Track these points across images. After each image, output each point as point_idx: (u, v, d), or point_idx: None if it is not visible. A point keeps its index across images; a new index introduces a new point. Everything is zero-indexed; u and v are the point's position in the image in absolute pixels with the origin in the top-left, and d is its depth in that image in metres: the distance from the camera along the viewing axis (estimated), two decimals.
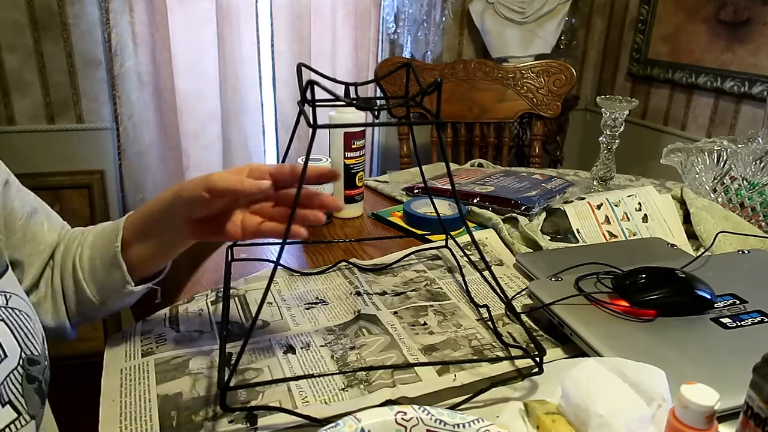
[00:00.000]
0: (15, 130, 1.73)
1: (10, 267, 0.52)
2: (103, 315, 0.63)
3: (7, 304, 0.48)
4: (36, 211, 0.62)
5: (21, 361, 0.47)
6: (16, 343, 0.47)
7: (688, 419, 0.37)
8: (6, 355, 0.46)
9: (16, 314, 0.49)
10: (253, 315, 0.63)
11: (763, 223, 0.91)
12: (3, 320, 0.47)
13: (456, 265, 0.77)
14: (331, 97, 0.51)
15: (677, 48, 2.00)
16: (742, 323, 0.58)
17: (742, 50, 1.78)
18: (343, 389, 0.52)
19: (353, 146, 0.94)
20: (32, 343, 0.49)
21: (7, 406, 0.45)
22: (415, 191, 1.05)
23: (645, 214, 0.88)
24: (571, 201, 0.92)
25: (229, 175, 0.51)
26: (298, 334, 0.61)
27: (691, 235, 0.85)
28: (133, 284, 0.59)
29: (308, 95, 0.52)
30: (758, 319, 0.59)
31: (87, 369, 0.88)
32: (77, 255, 0.60)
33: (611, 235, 0.86)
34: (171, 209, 0.56)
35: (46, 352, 0.52)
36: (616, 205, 0.89)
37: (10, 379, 0.45)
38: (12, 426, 0.45)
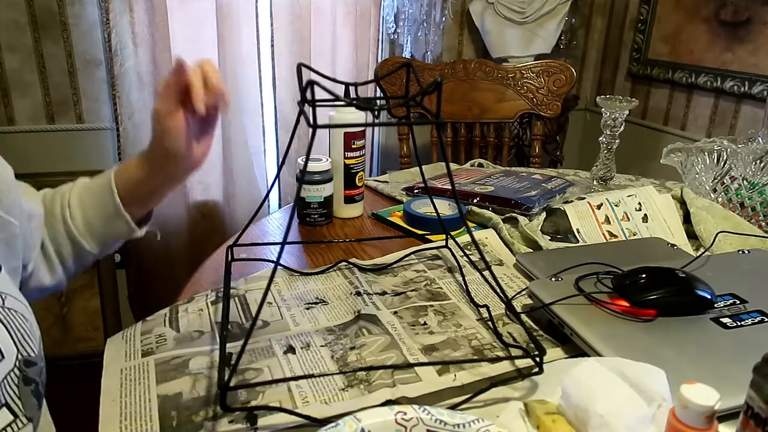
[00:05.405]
0: (15, 130, 1.73)
1: (3, 268, 0.52)
2: (98, 259, 0.70)
3: (3, 304, 0.48)
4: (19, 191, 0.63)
5: (17, 362, 0.46)
6: (13, 344, 0.47)
7: (688, 419, 0.37)
8: (3, 357, 0.45)
9: (12, 315, 0.48)
10: (253, 315, 0.63)
11: (763, 223, 0.91)
12: (0, 321, 0.46)
13: (456, 265, 0.77)
14: (331, 97, 0.51)
15: (677, 48, 2.00)
16: (742, 323, 0.58)
17: (742, 50, 1.78)
18: (343, 389, 0.52)
19: (353, 146, 0.94)
20: (29, 345, 0.49)
21: (4, 408, 0.44)
22: (415, 191, 1.05)
23: (645, 214, 0.88)
24: (571, 201, 0.92)
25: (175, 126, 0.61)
26: (298, 334, 0.61)
27: (691, 235, 0.85)
28: (138, 230, 0.66)
29: (308, 95, 0.52)
30: (758, 319, 0.59)
31: (87, 369, 0.88)
32: (67, 216, 0.65)
33: (611, 235, 0.86)
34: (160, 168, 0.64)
35: (43, 353, 0.52)
36: (616, 205, 0.89)
37: (7, 381, 0.45)
38: (9, 428, 0.44)
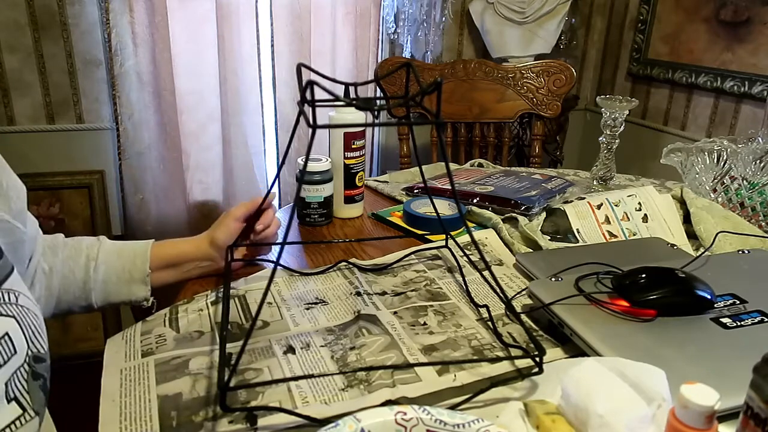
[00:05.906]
0: (15, 130, 1.73)
1: (15, 268, 0.53)
2: (85, 313, 0.73)
3: (17, 301, 0.49)
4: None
5: (27, 358, 0.47)
6: (25, 340, 0.48)
7: (688, 419, 0.37)
8: (15, 352, 0.46)
9: (25, 312, 0.49)
10: (253, 315, 0.63)
11: (763, 223, 0.91)
12: (14, 317, 0.47)
13: (456, 265, 0.77)
14: (331, 97, 0.51)
15: (677, 48, 2.00)
16: (742, 323, 0.58)
17: (742, 50, 1.78)
18: (343, 389, 0.52)
19: (353, 146, 0.94)
20: (38, 341, 0.50)
21: (13, 402, 0.45)
22: (415, 191, 1.05)
23: (645, 214, 0.88)
24: (571, 201, 0.92)
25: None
26: (298, 334, 0.61)
27: (691, 235, 0.85)
28: (150, 300, 0.72)
29: (308, 95, 0.52)
30: (758, 319, 0.59)
31: (87, 369, 0.88)
32: (91, 268, 0.69)
33: (611, 235, 0.86)
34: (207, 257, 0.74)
35: (49, 351, 0.53)
36: (616, 205, 0.89)
37: (17, 376, 0.46)
38: (17, 422, 0.45)
